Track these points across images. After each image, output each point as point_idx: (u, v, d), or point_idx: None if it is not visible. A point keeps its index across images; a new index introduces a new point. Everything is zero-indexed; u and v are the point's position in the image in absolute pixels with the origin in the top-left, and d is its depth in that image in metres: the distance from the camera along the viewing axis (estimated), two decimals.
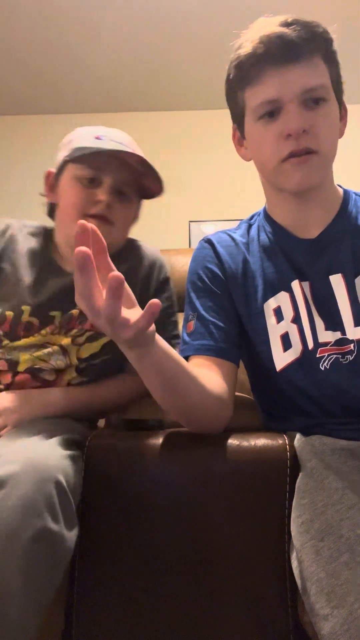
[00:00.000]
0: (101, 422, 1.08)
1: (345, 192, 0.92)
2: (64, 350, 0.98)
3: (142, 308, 0.98)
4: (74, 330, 0.98)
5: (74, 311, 0.98)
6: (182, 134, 3.72)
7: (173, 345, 0.99)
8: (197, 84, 3.35)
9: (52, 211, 1.07)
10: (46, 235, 1.07)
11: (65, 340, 0.97)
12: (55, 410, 0.92)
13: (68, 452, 0.73)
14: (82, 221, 0.59)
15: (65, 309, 0.98)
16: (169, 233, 3.43)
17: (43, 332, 0.97)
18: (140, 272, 1.06)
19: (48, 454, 0.69)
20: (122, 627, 0.75)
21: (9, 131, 3.66)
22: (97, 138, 0.98)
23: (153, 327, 0.64)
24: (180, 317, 0.95)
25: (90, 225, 0.59)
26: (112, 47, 3.08)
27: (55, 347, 0.97)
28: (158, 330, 1.03)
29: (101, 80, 3.40)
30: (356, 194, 0.93)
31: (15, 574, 0.60)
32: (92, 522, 0.77)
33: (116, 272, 0.57)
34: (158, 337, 0.68)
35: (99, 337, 0.99)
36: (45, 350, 0.97)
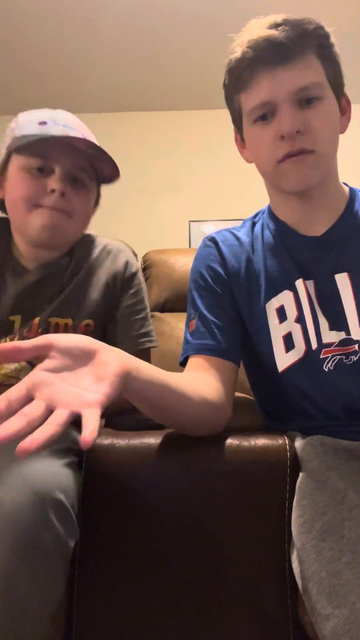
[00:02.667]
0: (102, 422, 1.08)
1: (351, 190, 0.91)
2: (32, 364, 0.92)
3: (110, 310, 0.97)
4: None
5: (35, 320, 0.92)
6: (182, 134, 3.72)
7: (141, 345, 0.98)
8: (196, 84, 3.36)
9: (3, 208, 0.98)
10: (5, 229, 0.98)
11: None
12: None
13: (64, 461, 0.71)
14: None
15: (24, 310, 0.92)
16: (169, 233, 3.44)
17: (2, 341, 0.90)
18: (105, 272, 0.99)
19: (42, 469, 0.66)
20: (122, 628, 0.75)
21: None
22: (42, 124, 0.90)
23: (125, 369, 0.57)
24: (183, 316, 0.94)
25: None
26: (112, 47, 3.08)
27: (23, 362, 0.89)
28: (124, 330, 0.99)
29: (101, 80, 3.40)
30: None
31: (18, 589, 0.59)
32: (91, 522, 0.77)
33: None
34: (135, 367, 0.61)
35: None
36: (12, 366, 0.90)
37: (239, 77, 0.80)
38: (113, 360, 0.55)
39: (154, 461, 0.78)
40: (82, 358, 0.54)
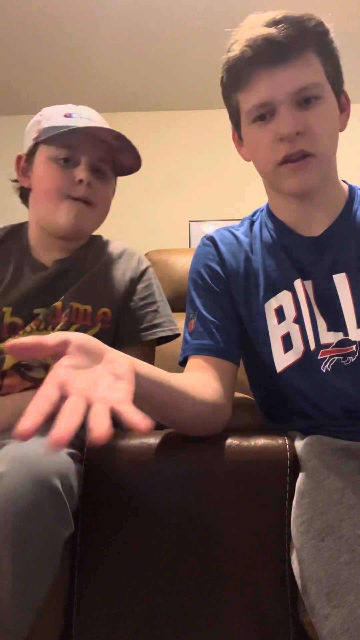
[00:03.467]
0: None
1: (351, 188, 0.90)
2: None
3: (125, 301, 1.00)
4: (60, 324, 0.95)
5: (57, 303, 0.96)
6: (182, 134, 3.72)
7: (153, 334, 1.01)
8: (196, 84, 3.35)
9: (24, 196, 1.04)
10: (18, 232, 1.04)
11: None
12: None
13: (66, 451, 0.71)
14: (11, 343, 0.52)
15: (47, 304, 0.96)
16: (169, 233, 3.43)
17: (28, 328, 0.94)
18: (121, 269, 1.05)
19: (42, 453, 0.66)
20: (121, 628, 0.75)
21: (9, 131, 3.67)
22: (67, 116, 0.94)
23: (133, 366, 0.56)
24: (183, 316, 0.94)
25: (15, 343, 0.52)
26: (112, 47, 3.08)
27: None
28: (137, 320, 1.01)
29: (101, 80, 3.40)
30: None
31: (4, 575, 0.59)
32: (91, 521, 0.77)
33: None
34: (139, 367, 0.61)
35: (86, 329, 0.96)
36: None
37: (237, 76, 0.79)
38: (121, 357, 0.55)
39: (154, 461, 0.78)
40: (93, 356, 0.54)
